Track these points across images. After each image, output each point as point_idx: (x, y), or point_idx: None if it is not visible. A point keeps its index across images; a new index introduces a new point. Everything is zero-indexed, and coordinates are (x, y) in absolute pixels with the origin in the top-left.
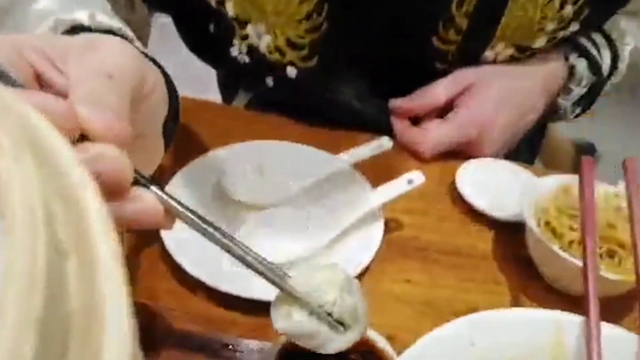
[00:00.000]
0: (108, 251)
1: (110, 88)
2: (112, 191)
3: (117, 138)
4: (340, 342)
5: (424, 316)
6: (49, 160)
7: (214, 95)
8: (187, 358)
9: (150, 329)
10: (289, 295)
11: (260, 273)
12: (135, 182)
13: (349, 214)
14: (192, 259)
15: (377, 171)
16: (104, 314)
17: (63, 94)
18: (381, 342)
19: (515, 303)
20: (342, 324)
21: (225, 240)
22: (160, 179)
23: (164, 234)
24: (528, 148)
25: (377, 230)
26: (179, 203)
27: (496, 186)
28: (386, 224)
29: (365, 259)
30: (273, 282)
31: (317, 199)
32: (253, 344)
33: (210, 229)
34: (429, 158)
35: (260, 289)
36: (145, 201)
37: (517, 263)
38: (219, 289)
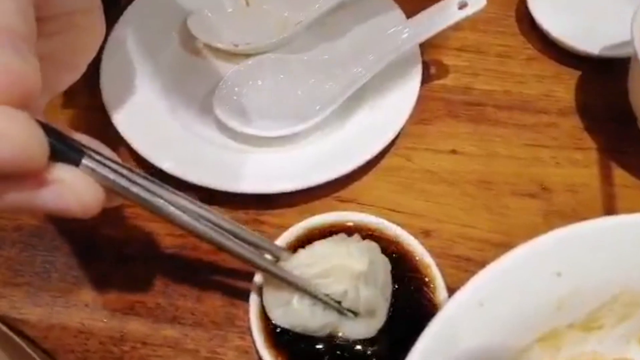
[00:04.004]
0: None
1: None
2: (16, 176)
3: (14, 92)
4: (351, 330)
5: (476, 202)
6: None
7: None
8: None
9: None
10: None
11: (247, 260)
12: (57, 153)
13: (371, 56)
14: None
15: None
16: None
17: None
18: (417, 250)
19: (608, 178)
20: (354, 312)
21: (196, 225)
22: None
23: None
24: None
25: (412, 79)
26: (129, 175)
27: (586, 6)
28: (425, 68)
29: (396, 122)
30: (264, 269)
31: (327, 39)
32: None
33: (178, 212)
34: None
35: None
36: (68, 187)
37: (611, 118)
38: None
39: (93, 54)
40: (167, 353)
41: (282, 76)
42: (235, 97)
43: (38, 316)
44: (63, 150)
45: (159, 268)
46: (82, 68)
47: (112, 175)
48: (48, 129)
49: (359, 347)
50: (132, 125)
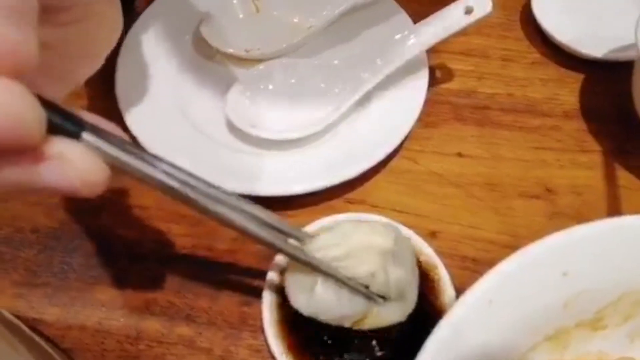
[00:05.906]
0: None
1: None
2: (12, 151)
3: (7, 61)
4: (380, 316)
5: (482, 203)
6: None
7: None
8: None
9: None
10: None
11: (265, 243)
12: (56, 127)
13: (379, 61)
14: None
15: None
16: None
17: None
18: (425, 251)
19: (612, 180)
20: (383, 297)
21: (210, 205)
22: None
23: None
24: None
25: (419, 83)
26: (134, 151)
27: (590, 10)
28: (431, 72)
29: (404, 125)
30: (287, 253)
31: (336, 44)
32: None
33: (189, 192)
34: None
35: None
36: (69, 162)
37: (614, 121)
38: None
39: (111, 45)
40: (182, 351)
41: (292, 80)
42: (246, 101)
43: (56, 316)
44: (62, 124)
45: (173, 268)
46: (100, 60)
47: (115, 150)
48: (44, 102)
49: (370, 345)
50: (146, 128)
